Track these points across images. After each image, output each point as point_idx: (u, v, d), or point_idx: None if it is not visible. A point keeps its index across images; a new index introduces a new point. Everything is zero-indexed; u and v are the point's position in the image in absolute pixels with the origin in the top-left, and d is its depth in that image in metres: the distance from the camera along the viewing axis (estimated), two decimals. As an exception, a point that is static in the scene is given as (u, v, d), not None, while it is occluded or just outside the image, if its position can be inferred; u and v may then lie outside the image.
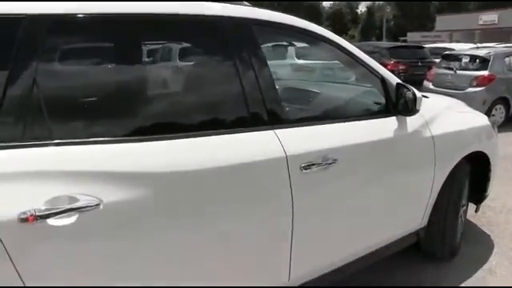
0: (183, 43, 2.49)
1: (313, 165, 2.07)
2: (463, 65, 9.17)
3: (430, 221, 3.01)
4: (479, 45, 13.66)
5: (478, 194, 3.57)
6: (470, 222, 3.98)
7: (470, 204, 3.61)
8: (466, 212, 3.51)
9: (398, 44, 15.04)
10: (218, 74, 2.10)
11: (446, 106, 3.23)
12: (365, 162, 2.40)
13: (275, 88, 2.15)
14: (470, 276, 3.09)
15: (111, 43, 1.98)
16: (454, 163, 2.95)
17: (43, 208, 1.42)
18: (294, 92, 3.31)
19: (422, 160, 2.74)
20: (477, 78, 8.61)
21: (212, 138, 1.87)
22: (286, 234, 2.06)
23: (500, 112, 8.73)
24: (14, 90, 1.47)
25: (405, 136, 2.61)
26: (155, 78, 2.15)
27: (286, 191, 2.00)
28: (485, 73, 8.59)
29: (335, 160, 2.17)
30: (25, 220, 1.39)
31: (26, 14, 1.52)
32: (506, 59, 8.81)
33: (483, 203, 4.00)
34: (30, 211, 1.40)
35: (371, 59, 2.63)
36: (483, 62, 8.79)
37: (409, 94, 2.50)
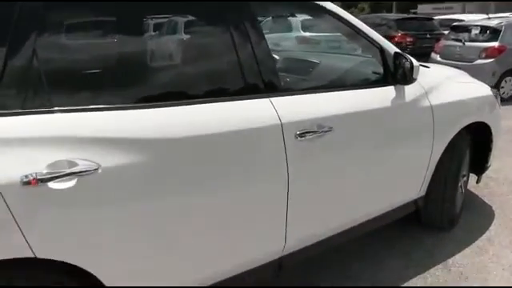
0: (180, 15, 2.50)
1: (308, 132, 2.11)
2: (472, 36, 9.03)
3: (428, 190, 3.04)
4: (491, 15, 13.36)
5: (480, 165, 3.59)
6: (473, 193, 4.01)
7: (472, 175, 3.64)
8: (466, 183, 3.53)
9: (406, 16, 14.79)
10: (214, 44, 2.12)
11: (447, 76, 3.21)
12: (361, 130, 2.42)
13: (271, 57, 2.17)
14: (469, 245, 3.14)
15: (107, 14, 1.99)
16: (454, 133, 2.96)
17: (44, 172, 1.48)
18: (293, 62, 3.33)
19: (420, 129, 2.75)
20: (486, 49, 8.47)
21: (208, 106, 1.91)
22: (281, 200, 2.11)
23: (510, 84, 8.62)
24: (14, 61, 1.51)
25: (402, 105, 2.62)
26: (152, 48, 2.19)
27: (281, 158, 2.04)
28: (495, 44, 8.45)
29: (331, 128, 2.20)
30: (27, 183, 1.44)
31: None
32: (518, 30, 8.64)
33: (487, 175, 4.03)
34: (32, 175, 1.45)
35: (371, 30, 2.63)
36: (494, 33, 8.63)
37: (406, 64, 2.51)
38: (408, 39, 12.14)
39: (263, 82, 2.06)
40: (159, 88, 1.93)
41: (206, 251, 1.98)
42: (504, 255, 3.02)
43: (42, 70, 1.57)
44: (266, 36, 2.16)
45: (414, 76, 2.54)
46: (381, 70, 2.65)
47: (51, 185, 1.50)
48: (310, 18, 4.73)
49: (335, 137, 2.23)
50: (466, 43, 8.96)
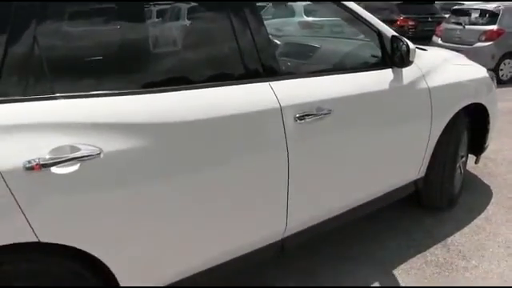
0: (182, 1, 2.52)
1: (307, 115, 2.14)
2: (472, 19, 9.05)
3: (427, 171, 3.09)
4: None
5: (478, 146, 3.62)
6: (472, 173, 4.06)
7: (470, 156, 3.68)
8: (465, 163, 3.57)
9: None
10: (214, 30, 2.14)
11: (444, 58, 3.23)
12: (360, 112, 2.46)
13: (270, 42, 2.20)
14: (467, 224, 3.20)
15: (108, 0, 2.02)
16: (451, 115, 3.00)
17: (47, 157, 1.51)
18: (293, 47, 3.35)
19: (418, 111, 2.79)
20: (485, 32, 8.51)
21: (208, 90, 1.94)
22: (282, 182, 2.15)
23: (509, 67, 8.65)
24: (15, 48, 1.53)
25: (400, 87, 2.65)
26: (153, 34, 2.21)
27: (281, 141, 2.08)
28: (494, 27, 8.49)
29: (330, 111, 2.23)
30: (30, 168, 1.48)
31: None
32: (516, 13, 8.65)
33: (486, 156, 4.08)
34: (35, 160, 1.49)
35: (369, 14, 2.66)
36: (492, 17, 8.68)
37: (403, 46, 2.53)
38: (410, 23, 12.19)
39: (263, 66, 2.09)
40: (161, 74, 1.97)
41: (210, 232, 2.02)
42: (500, 233, 3.08)
43: (43, 57, 1.60)
44: (269, 21, 2.19)
45: (410, 59, 2.56)
46: (379, 53, 2.68)
47: (54, 170, 1.53)
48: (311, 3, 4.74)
49: (334, 119, 2.27)
50: (466, 26, 8.99)
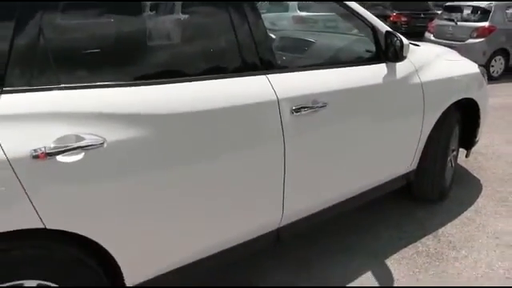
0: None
1: (303, 108, 2.20)
2: (464, 16, 9.16)
3: (419, 164, 3.16)
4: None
5: (469, 141, 3.70)
6: (462, 167, 4.14)
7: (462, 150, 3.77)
8: (456, 157, 3.65)
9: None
10: (214, 24, 2.19)
11: (436, 53, 3.30)
12: (355, 106, 2.52)
13: (268, 36, 2.25)
14: (457, 216, 3.28)
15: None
16: (443, 109, 3.07)
17: (52, 146, 1.55)
18: (289, 41, 3.40)
19: (410, 105, 2.86)
20: (477, 29, 8.61)
21: (207, 82, 1.99)
22: (278, 172, 2.21)
23: (499, 63, 8.77)
24: (21, 40, 1.56)
25: (394, 82, 2.72)
26: (154, 27, 2.25)
27: (277, 132, 2.13)
28: (485, 24, 8.59)
29: (325, 104, 2.29)
30: (37, 157, 1.52)
31: None
32: (508, 10, 8.76)
33: (476, 150, 4.17)
34: (41, 149, 1.53)
35: (364, 10, 2.71)
36: (484, 13, 8.79)
37: (397, 42, 2.60)
38: (403, 19, 12.30)
39: (260, 59, 2.15)
40: (162, 66, 2.01)
41: (209, 221, 2.07)
42: (489, 224, 3.17)
43: (49, 49, 1.64)
44: (263, 15, 2.24)
45: (404, 54, 2.63)
46: (373, 48, 2.74)
47: (59, 158, 1.57)
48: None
49: (329, 112, 2.32)
50: (459, 23, 9.09)
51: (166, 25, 2.35)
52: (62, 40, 1.74)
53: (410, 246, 2.90)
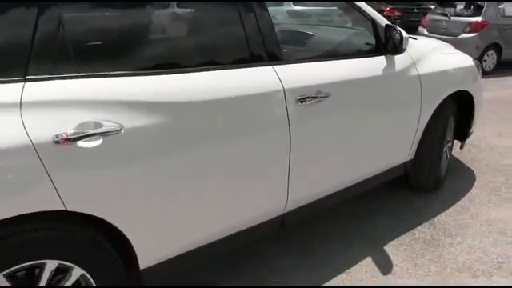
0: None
1: (308, 98, 2.29)
2: (458, 11, 9.26)
3: (416, 154, 3.26)
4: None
5: (464, 132, 3.81)
6: (457, 159, 4.26)
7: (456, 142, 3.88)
8: (451, 148, 3.76)
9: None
10: (224, 17, 2.27)
11: (433, 47, 3.40)
12: (356, 96, 2.61)
13: (274, 29, 2.33)
14: (452, 205, 3.40)
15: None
16: (440, 101, 3.17)
17: (73, 132, 1.63)
18: (290, 34, 3.48)
19: (408, 97, 2.95)
20: (470, 23, 8.72)
21: (219, 72, 2.09)
22: (284, 160, 2.30)
23: (492, 58, 8.89)
24: (43, 29, 1.63)
25: (393, 74, 2.81)
26: (171, 21, 2.34)
27: (283, 121, 2.22)
28: (478, 19, 8.70)
29: (328, 94, 2.38)
30: (58, 142, 1.59)
31: None
32: (500, 6, 8.88)
33: (470, 143, 4.29)
34: (62, 134, 1.60)
35: (364, 4, 2.80)
36: (477, 9, 8.89)
37: (396, 35, 2.69)
38: (396, 13, 12.37)
39: (267, 51, 2.23)
40: (177, 56, 2.10)
41: (219, 206, 2.16)
42: (482, 213, 3.29)
43: (68, 40, 1.71)
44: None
45: (403, 46, 2.72)
46: (373, 41, 2.83)
47: (79, 144, 1.64)
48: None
49: (332, 102, 2.41)
50: (452, 18, 9.20)
51: (181, 18, 2.43)
52: (81, 31, 1.82)
53: (408, 233, 3.01)
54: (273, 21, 2.36)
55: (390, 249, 2.84)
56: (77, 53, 1.74)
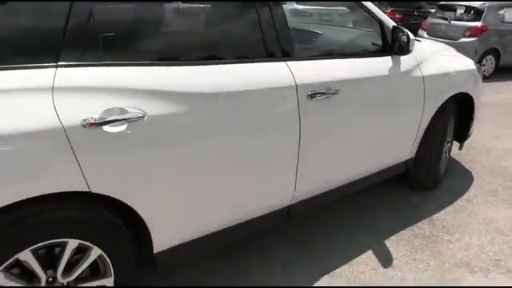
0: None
1: (318, 93, 2.37)
2: (458, 15, 9.36)
3: (417, 153, 3.36)
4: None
5: (463, 134, 3.92)
6: (455, 160, 4.36)
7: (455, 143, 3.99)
8: (450, 148, 3.86)
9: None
10: (243, 14, 2.35)
11: (436, 49, 3.50)
12: (363, 94, 2.70)
13: (288, 27, 2.41)
14: (451, 204, 3.50)
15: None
16: (442, 102, 3.27)
17: (99, 117, 1.70)
18: (299, 32, 3.56)
19: (412, 96, 3.04)
20: (470, 28, 8.83)
21: (236, 66, 2.17)
22: (293, 152, 2.38)
23: (490, 63, 9.01)
24: (74, 20, 1.71)
25: (398, 73, 2.90)
26: (196, 15, 2.44)
27: (295, 115, 2.30)
28: (478, 24, 8.81)
29: (337, 91, 2.47)
30: (86, 126, 1.67)
31: None
32: (500, 11, 8.99)
33: (468, 144, 4.39)
34: (89, 119, 1.68)
35: (372, 5, 2.88)
36: (477, 13, 8.99)
37: (403, 36, 2.78)
38: (397, 16, 12.47)
39: (281, 48, 2.32)
40: (199, 49, 2.19)
41: (232, 194, 2.24)
42: (480, 212, 3.39)
43: (98, 29, 1.80)
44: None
45: (410, 48, 2.82)
46: (379, 41, 2.92)
47: (106, 128, 1.72)
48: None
49: (341, 99, 2.50)
50: (452, 22, 9.30)
51: (204, 13, 2.52)
52: (110, 22, 1.90)
53: (407, 229, 3.10)
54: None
55: (391, 243, 2.94)
56: (105, 42, 1.82)
